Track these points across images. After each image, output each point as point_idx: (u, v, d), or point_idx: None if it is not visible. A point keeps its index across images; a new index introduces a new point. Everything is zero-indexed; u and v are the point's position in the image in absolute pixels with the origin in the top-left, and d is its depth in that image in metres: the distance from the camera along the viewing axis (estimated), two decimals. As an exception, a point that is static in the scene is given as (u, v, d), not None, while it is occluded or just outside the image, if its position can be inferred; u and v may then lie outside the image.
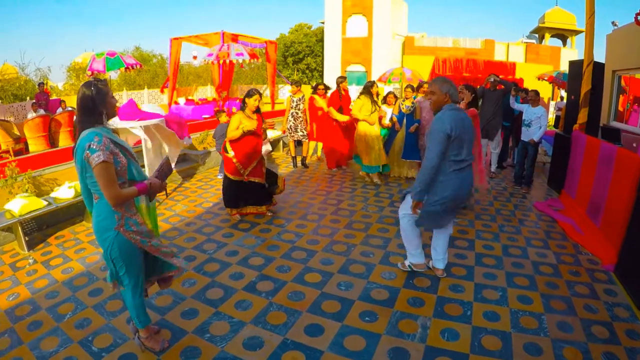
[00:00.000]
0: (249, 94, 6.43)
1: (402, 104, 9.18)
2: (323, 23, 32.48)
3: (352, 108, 9.01)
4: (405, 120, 9.08)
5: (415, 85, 9.97)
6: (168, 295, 4.46)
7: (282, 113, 13.28)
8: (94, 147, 2.81)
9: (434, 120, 4.23)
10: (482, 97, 9.35)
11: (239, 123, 6.38)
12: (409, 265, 4.93)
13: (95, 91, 2.93)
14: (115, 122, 7.25)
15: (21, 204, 5.84)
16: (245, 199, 6.82)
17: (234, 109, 9.45)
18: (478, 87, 9.89)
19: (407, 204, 4.59)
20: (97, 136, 2.86)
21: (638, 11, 6.55)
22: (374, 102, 8.73)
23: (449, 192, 4.24)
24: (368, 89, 8.66)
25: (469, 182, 4.40)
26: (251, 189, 6.73)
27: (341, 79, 9.65)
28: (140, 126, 7.08)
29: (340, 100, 9.54)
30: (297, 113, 9.97)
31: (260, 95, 6.48)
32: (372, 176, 8.93)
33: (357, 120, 8.74)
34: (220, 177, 9.24)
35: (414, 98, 9.07)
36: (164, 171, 3.38)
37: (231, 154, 6.51)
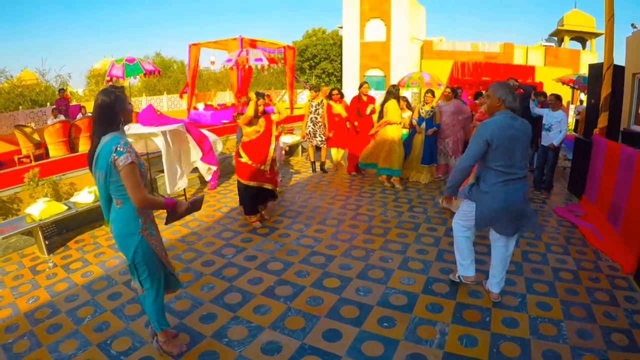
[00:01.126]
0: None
1: (422, 109, 9.17)
2: (341, 28, 32.50)
3: (387, 113, 8.72)
4: (424, 125, 9.08)
5: (434, 90, 9.92)
6: (187, 299, 4.51)
7: (301, 118, 13.34)
8: (121, 149, 2.87)
9: (483, 123, 4.02)
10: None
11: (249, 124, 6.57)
12: (459, 277, 4.63)
13: (114, 98, 2.99)
14: (134, 128, 7.33)
15: (41, 208, 5.93)
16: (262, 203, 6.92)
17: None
18: (475, 92, 9.98)
19: (459, 211, 4.50)
20: (123, 139, 2.92)
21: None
22: (406, 106, 9.05)
23: (495, 204, 3.99)
24: (395, 95, 8.73)
25: (517, 197, 4.00)
26: (264, 195, 6.87)
27: (363, 84, 9.75)
28: (161, 132, 7.13)
29: (358, 103, 9.58)
30: (316, 118, 9.98)
31: (262, 97, 6.65)
32: (394, 180, 8.93)
33: (386, 123, 8.64)
34: None
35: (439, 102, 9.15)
36: (195, 205, 3.44)
37: (245, 157, 6.56)
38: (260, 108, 6.65)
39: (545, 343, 3.69)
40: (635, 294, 4.58)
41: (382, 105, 8.81)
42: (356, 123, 9.71)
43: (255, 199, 6.78)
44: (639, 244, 5.00)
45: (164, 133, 7.06)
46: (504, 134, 3.82)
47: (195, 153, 7.75)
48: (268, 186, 6.74)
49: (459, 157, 9.01)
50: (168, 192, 7.34)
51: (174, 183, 7.45)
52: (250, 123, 6.50)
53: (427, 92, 9.11)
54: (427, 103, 9.10)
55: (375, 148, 8.89)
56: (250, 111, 6.34)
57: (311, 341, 3.76)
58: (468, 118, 9.08)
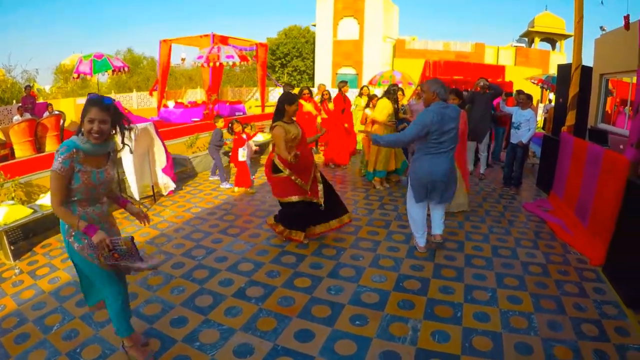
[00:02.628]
0: (290, 101, 5.59)
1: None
2: (314, 26, 32.51)
3: (373, 110, 8.63)
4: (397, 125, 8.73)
5: (404, 89, 9.93)
6: (157, 303, 4.41)
7: (271, 116, 13.28)
8: (57, 154, 2.84)
9: (423, 111, 5.14)
10: (472, 100, 9.40)
11: (285, 134, 5.47)
12: (414, 247, 5.68)
13: (84, 108, 2.95)
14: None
15: (5, 212, 5.74)
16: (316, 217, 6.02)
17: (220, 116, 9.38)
18: (463, 90, 9.96)
19: (409, 192, 5.49)
20: (67, 146, 2.87)
21: (627, 14, 6.60)
22: (396, 108, 8.57)
23: (424, 170, 5.16)
24: (393, 93, 8.55)
25: (442, 167, 5.13)
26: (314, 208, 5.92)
27: (343, 84, 9.81)
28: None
29: (344, 103, 9.63)
30: None
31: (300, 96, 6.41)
32: (376, 181, 8.74)
33: (372, 122, 8.52)
34: (224, 186, 8.95)
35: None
36: (125, 251, 3.07)
37: (287, 172, 5.55)
38: (297, 109, 5.79)
39: (517, 336, 3.72)
40: (604, 285, 4.67)
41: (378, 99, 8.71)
42: (346, 125, 9.73)
43: (307, 213, 5.90)
44: (607, 237, 5.10)
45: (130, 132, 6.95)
46: (440, 120, 4.95)
47: (162, 158, 7.67)
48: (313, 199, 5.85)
49: None
50: (135, 196, 7.22)
51: (142, 185, 7.37)
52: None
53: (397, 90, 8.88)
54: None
55: (368, 149, 8.72)
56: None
57: (283, 342, 3.72)
58: None
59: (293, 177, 5.57)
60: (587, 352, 3.49)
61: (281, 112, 5.57)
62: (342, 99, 10.13)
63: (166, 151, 8.02)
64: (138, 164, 7.16)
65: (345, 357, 3.50)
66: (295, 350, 3.60)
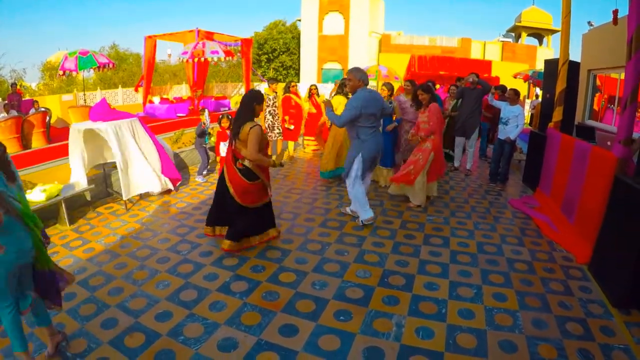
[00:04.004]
0: (260, 100, 5.33)
1: None
2: (300, 21, 32.42)
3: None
4: (382, 122, 8.00)
5: (392, 83, 9.84)
6: (142, 297, 4.39)
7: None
8: None
9: (352, 96, 6.01)
10: (461, 96, 9.40)
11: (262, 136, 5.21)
12: (362, 222, 6.29)
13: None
14: (83, 124, 7.11)
15: (-10, 209, 5.68)
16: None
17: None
18: (450, 85, 9.90)
19: (350, 179, 6.25)
20: None
21: (615, 9, 6.58)
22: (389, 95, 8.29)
23: (373, 147, 6.12)
24: (342, 88, 8.51)
25: (381, 141, 6.34)
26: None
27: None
28: (110, 126, 6.91)
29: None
30: (274, 110, 9.96)
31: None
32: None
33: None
34: (200, 179, 8.94)
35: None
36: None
37: (262, 176, 5.36)
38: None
39: (501, 333, 3.72)
40: (589, 283, 4.68)
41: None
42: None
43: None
44: (593, 235, 5.09)
45: (114, 127, 6.87)
46: (369, 102, 5.88)
47: (152, 157, 7.56)
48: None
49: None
50: (124, 197, 7.13)
51: (135, 184, 7.27)
52: None
53: (383, 84, 8.60)
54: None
55: (333, 149, 8.62)
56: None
57: (267, 336, 3.71)
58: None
59: (265, 182, 5.44)
60: (571, 351, 3.49)
61: (252, 112, 5.21)
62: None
63: (158, 150, 7.87)
64: (123, 162, 7.06)
65: (329, 352, 3.49)
66: (279, 345, 3.60)
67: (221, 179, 5.51)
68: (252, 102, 5.21)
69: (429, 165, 7.01)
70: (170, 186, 7.98)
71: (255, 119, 5.26)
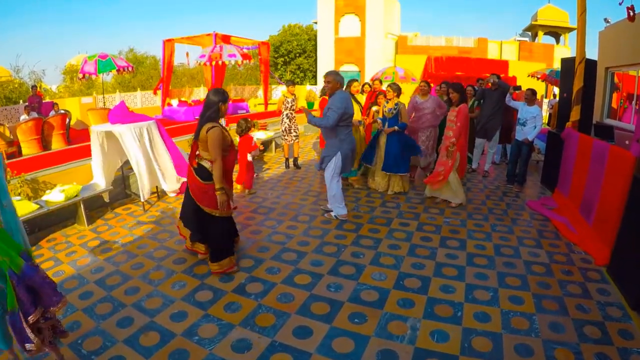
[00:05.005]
0: (225, 99, 4.88)
1: (385, 107, 8.03)
2: (316, 23, 32.41)
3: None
4: (387, 125, 7.94)
5: (407, 84, 9.74)
6: (158, 297, 4.43)
7: (274, 114, 13.29)
8: None
9: (335, 98, 6.20)
10: (482, 97, 9.35)
11: (223, 139, 4.77)
12: (335, 216, 6.74)
13: None
14: (105, 126, 7.20)
15: (12, 207, 5.78)
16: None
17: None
18: (468, 86, 9.77)
19: (329, 171, 6.49)
20: None
21: (630, 5, 6.49)
22: (356, 102, 8.25)
23: (349, 146, 6.47)
24: (347, 89, 8.33)
25: (355, 141, 6.73)
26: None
27: (374, 81, 9.93)
28: (130, 129, 6.96)
29: (370, 100, 9.56)
30: (291, 114, 9.95)
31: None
32: (352, 181, 8.61)
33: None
34: None
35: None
36: None
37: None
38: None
39: (517, 337, 3.68)
40: (608, 286, 4.61)
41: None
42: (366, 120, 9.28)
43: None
44: (612, 236, 5.03)
45: (133, 130, 6.93)
46: (348, 103, 6.29)
47: (163, 160, 7.58)
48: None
49: (433, 155, 9.00)
50: (142, 198, 7.19)
51: (151, 183, 7.33)
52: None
53: (388, 85, 8.19)
54: (389, 100, 7.96)
55: None
56: None
57: (281, 338, 3.71)
58: (444, 112, 8.56)
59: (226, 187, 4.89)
60: (589, 355, 3.44)
61: (216, 112, 4.78)
62: (369, 96, 9.82)
63: (172, 152, 7.81)
64: (140, 164, 7.11)
65: (343, 354, 3.49)
66: (292, 346, 3.60)
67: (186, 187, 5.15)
68: (218, 101, 4.77)
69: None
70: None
71: (220, 120, 4.91)
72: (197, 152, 4.93)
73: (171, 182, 7.77)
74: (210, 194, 4.82)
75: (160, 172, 7.44)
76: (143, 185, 7.15)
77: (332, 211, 6.81)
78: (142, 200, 7.23)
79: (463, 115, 6.98)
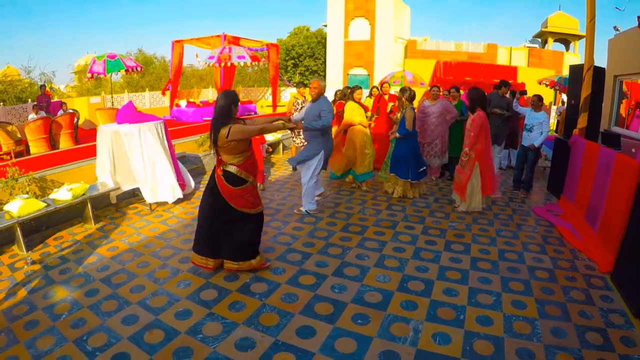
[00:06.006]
0: (237, 102, 4.74)
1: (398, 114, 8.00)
2: (326, 26, 32.46)
3: (344, 115, 8.49)
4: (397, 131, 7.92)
5: (416, 89, 9.75)
6: (163, 295, 4.48)
7: (282, 116, 13.31)
8: None
9: (323, 102, 6.83)
10: (491, 104, 9.39)
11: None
12: (306, 211, 7.14)
13: None
14: (112, 126, 7.25)
15: (20, 205, 5.84)
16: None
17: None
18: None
19: (308, 171, 6.93)
20: None
21: (640, 14, 6.50)
22: (361, 106, 8.38)
23: (329, 145, 7.08)
24: (351, 95, 8.39)
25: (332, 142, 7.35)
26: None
27: (382, 83, 10.03)
28: (135, 129, 7.01)
29: (379, 103, 9.57)
30: None
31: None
32: (365, 183, 8.62)
33: (344, 127, 8.37)
34: None
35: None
36: None
37: (251, 179, 4.89)
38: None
39: (519, 341, 3.69)
40: (611, 293, 4.61)
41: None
42: (372, 124, 9.25)
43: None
44: (616, 244, 5.03)
45: (139, 130, 6.98)
46: (331, 107, 6.95)
47: (163, 163, 7.59)
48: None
49: (445, 155, 9.13)
50: (148, 200, 7.25)
51: (155, 189, 7.36)
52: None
53: (399, 89, 8.11)
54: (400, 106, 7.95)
55: (351, 151, 8.44)
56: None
57: (285, 338, 3.74)
58: (454, 117, 8.78)
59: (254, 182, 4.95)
60: (590, 361, 3.45)
61: (228, 116, 4.63)
62: (377, 99, 9.83)
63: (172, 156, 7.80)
64: (147, 164, 7.16)
65: (345, 354, 3.51)
66: (295, 346, 3.63)
67: (209, 190, 4.94)
68: (230, 105, 4.63)
69: (480, 177, 6.99)
70: (180, 194, 7.77)
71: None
72: (220, 158, 4.75)
73: (166, 191, 7.61)
74: (246, 197, 4.80)
75: (158, 177, 7.49)
76: (150, 186, 7.20)
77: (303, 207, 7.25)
78: (147, 201, 7.31)
79: (477, 124, 6.73)
